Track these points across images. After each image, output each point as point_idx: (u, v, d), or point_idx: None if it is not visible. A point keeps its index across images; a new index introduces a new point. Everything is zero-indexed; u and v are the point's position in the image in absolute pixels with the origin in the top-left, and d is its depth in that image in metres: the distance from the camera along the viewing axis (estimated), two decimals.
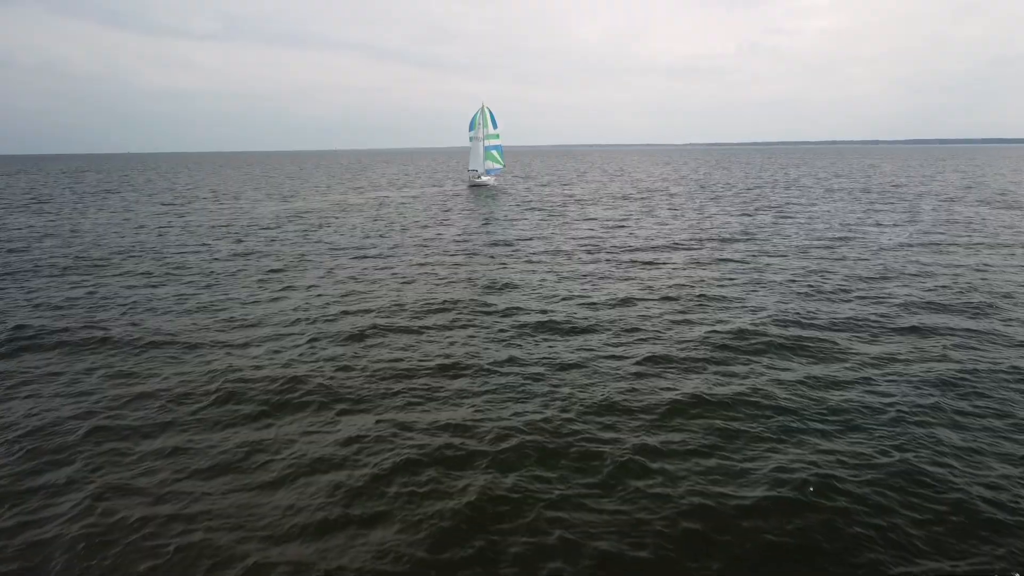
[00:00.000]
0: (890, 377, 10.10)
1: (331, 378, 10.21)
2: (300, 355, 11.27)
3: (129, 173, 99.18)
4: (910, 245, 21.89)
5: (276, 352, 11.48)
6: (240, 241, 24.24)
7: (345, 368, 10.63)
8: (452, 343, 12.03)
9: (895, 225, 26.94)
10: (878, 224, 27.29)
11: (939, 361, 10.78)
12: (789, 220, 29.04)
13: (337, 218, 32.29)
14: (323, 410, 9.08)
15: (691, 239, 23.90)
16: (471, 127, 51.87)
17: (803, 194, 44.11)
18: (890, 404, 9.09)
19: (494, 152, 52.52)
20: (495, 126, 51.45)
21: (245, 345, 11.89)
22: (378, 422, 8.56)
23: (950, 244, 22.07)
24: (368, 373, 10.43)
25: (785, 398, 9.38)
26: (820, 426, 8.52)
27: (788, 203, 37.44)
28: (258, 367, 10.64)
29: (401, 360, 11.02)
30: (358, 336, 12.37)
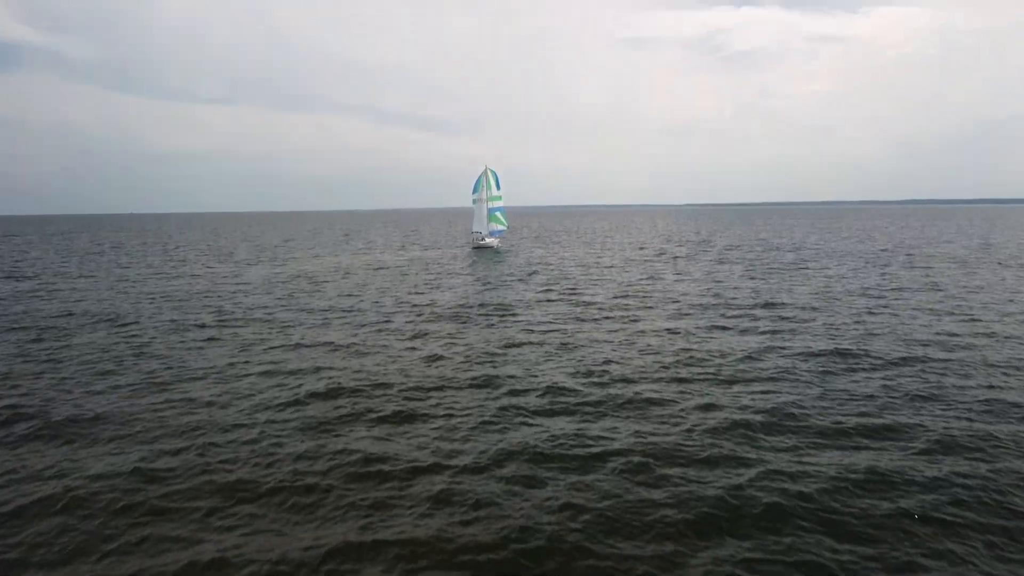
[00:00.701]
0: (958, 481, 8.35)
1: (283, 482, 8.52)
2: (254, 451, 9.57)
3: (127, 233, 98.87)
4: (937, 313, 20.23)
5: (228, 446, 9.79)
6: (220, 310, 22.60)
7: (303, 471, 8.90)
8: (437, 435, 10.31)
9: (917, 290, 25.39)
10: (898, 289, 25.75)
11: (1010, 459, 9.06)
12: (803, 287, 27.24)
13: (327, 282, 30.78)
14: (261, 532, 7.35)
15: (702, 306, 22.32)
16: (475, 189, 51.43)
17: (813, 257, 42.03)
18: (968, 526, 7.35)
19: (497, 214, 51.93)
20: (499, 187, 51.08)
21: (194, 434, 10.22)
22: (327, 557, 6.79)
23: (978, 312, 20.38)
24: (330, 478, 8.70)
25: (836, 508, 7.68)
26: (888, 551, 6.75)
27: (799, 267, 35.40)
28: (202, 469, 8.93)
29: (373, 458, 9.31)
30: (327, 426, 10.68)
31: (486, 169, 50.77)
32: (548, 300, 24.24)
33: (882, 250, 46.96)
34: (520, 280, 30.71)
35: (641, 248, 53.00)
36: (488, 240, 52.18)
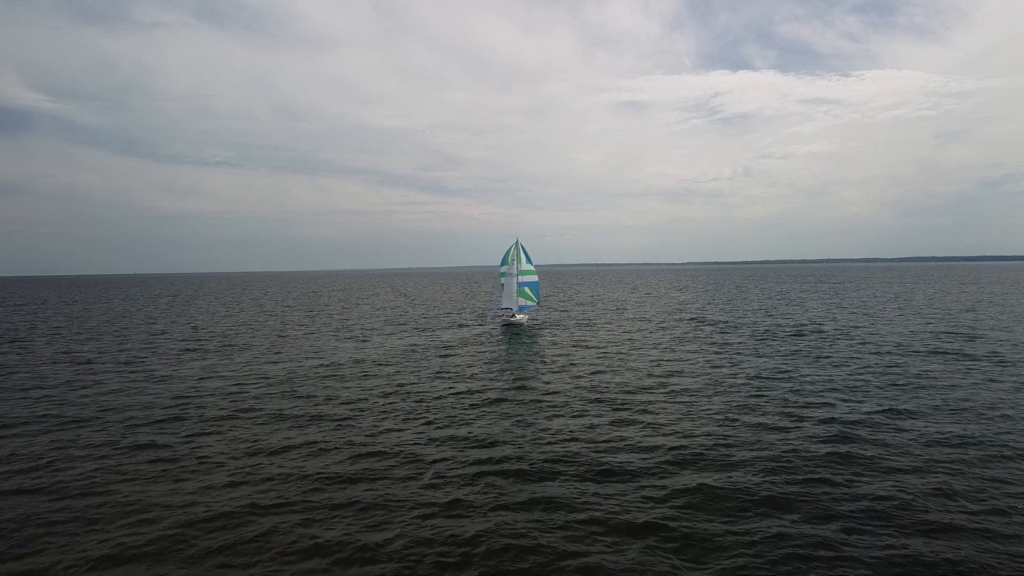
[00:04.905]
0: None
1: None
2: None
3: (103, 301, 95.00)
4: None
5: None
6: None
7: None
8: None
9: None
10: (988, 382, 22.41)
11: None
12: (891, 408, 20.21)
13: (306, 397, 22.96)
14: None
15: (759, 421, 18.66)
16: (503, 262, 48.97)
17: (869, 349, 32.60)
18: None
19: (527, 289, 49.16)
20: (529, 261, 48.53)
21: None
22: None
23: None
24: None
25: None
26: None
27: (862, 368, 26.97)
28: None
29: None
30: None
31: (516, 243, 48.48)
32: (571, 405, 20.35)
33: (942, 328, 42.76)
34: (543, 372, 26.50)
35: (659, 320, 49.58)
36: (518, 317, 49.33)
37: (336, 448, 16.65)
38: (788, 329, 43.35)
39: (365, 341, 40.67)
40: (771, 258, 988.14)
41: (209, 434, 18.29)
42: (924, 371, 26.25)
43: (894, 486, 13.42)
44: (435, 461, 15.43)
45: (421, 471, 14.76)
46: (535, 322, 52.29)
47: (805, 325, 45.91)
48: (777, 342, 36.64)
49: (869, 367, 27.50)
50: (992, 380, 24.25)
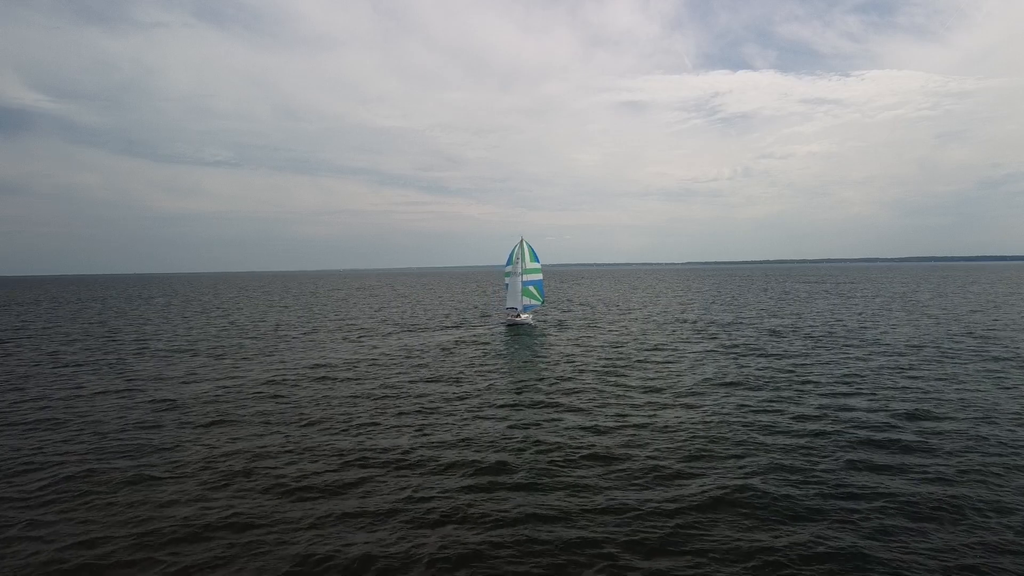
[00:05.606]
0: None
1: None
2: None
3: (99, 301, 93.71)
4: None
5: None
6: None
7: None
8: None
9: None
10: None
11: None
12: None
13: (301, 397, 22.85)
14: None
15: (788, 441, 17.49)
16: (508, 262, 47.72)
17: (879, 350, 32.25)
18: None
19: (532, 288, 47.92)
20: (535, 260, 47.32)
21: None
22: None
23: None
24: None
25: None
26: None
27: (873, 370, 26.45)
28: None
29: None
30: None
31: (521, 241, 47.33)
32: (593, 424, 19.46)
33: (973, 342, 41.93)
34: (548, 383, 25.80)
35: (663, 327, 48.49)
36: (523, 316, 48.12)
37: (323, 456, 15.46)
38: (794, 329, 42.22)
39: (361, 342, 39.44)
40: (771, 258, 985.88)
41: (187, 441, 17.09)
42: (940, 374, 25.19)
43: (919, 495, 12.39)
44: (429, 471, 14.32)
45: (413, 481, 13.62)
46: (539, 322, 51.09)
47: (812, 325, 44.82)
48: (784, 343, 35.41)
49: (879, 369, 26.41)
50: (1016, 384, 23.02)
